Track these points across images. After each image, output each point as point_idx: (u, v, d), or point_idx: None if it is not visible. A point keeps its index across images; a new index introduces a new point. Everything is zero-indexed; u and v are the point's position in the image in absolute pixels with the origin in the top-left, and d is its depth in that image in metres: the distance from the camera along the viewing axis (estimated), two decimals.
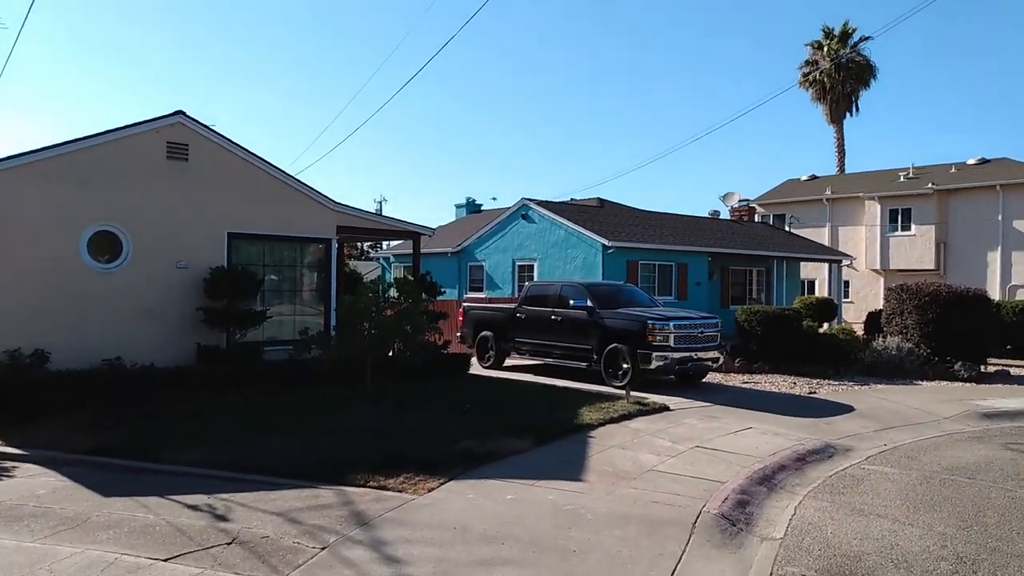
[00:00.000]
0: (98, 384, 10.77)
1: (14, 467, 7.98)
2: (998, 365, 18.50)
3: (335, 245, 14.97)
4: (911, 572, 5.49)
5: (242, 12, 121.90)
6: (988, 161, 33.64)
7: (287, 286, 14.75)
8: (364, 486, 7.07)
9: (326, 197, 14.61)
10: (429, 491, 6.99)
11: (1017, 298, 27.13)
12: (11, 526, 6.10)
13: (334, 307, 13.88)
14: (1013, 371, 17.96)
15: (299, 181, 14.45)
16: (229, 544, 5.63)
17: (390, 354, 11.68)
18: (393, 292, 12.05)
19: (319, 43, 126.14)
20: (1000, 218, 30.74)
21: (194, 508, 6.45)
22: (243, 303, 13.01)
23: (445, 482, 7.26)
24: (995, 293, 28.47)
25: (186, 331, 12.72)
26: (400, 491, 6.95)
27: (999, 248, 30.83)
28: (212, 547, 5.56)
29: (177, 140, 12.78)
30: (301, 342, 11.08)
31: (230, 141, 13.39)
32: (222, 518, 6.21)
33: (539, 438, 9.09)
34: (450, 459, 7.92)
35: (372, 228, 15.94)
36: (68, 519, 6.25)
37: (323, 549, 5.55)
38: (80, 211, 11.81)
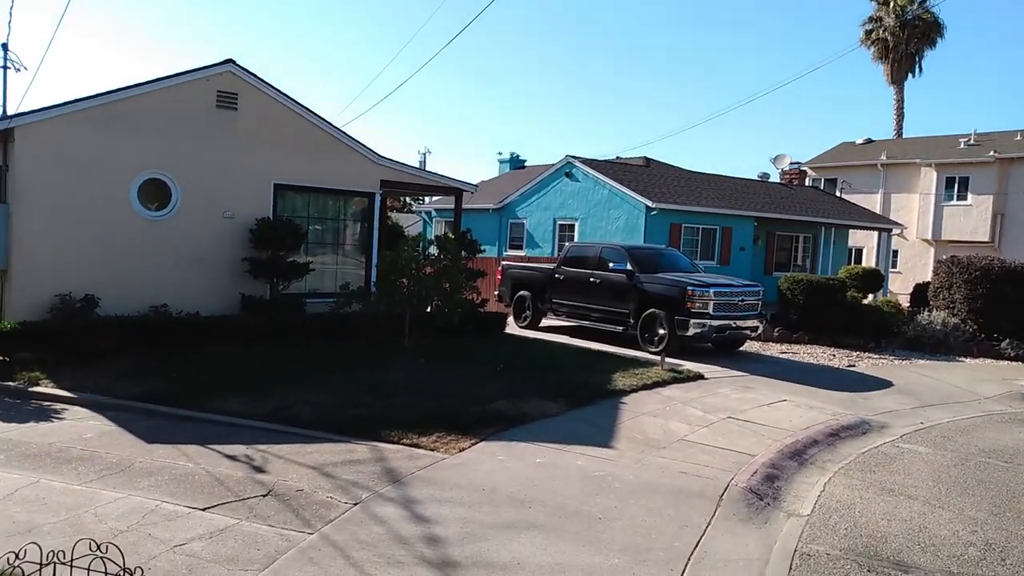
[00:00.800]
0: (145, 330, 11.12)
1: (64, 409, 8.35)
2: None
3: (379, 199, 15.06)
4: (937, 556, 5.47)
5: None
6: None
7: (330, 238, 14.93)
8: (398, 443, 7.25)
9: (371, 151, 14.67)
10: (460, 451, 7.15)
11: None
12: (60, 468, 6.42)
13: (375, 261, 14.04)
14: None
15: (345, 134, 14.51)
16: (265, 496, 5.85)
17: (428, 311, 11.82)
18: (433, 249, 12.14)
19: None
20: None
21: (233, 458, 6.70)
22: (287, 254, 13.24)
23: (476, 443, 7.40)
24: None
25: (231, 281, 13.00)
26: (432, 450, 7.12)
27: None
28: (248, 498, 5.79)
29: (227, 89, 12.89)
30: (342, 296, 11.28)
31: (279, 91, 13.45)
32: (259, 469, 6.45)
33: (571, 402, 9.18)
34: (482, 419, 8.06)
35: (415, 183, 15.98)
36: (113, 464, 6.55)
37: (355, 505, 5.74)
38: (131, 158, 12.04)
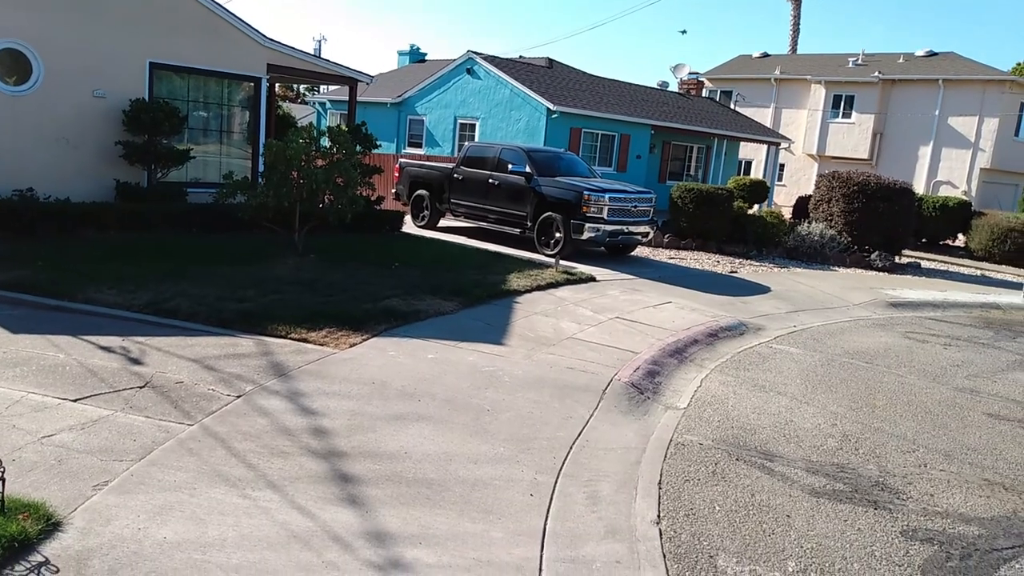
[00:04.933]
0: (8, 215, 10.27)
1: None
2: (912, 257, 19.38)
3: (265, 84, 14.20)
4: (800, 446, 5.91)
5: None
6: (936, 55, 33.70)
7: (214, 125, 14.04)
8: (285, 338, 7.07)
9: (257, 31, 13.68)
10: (351, 346, 7.05)
11: (940, 193, 28.10)
12: None
13: (263, 151, 13.34)
14: (924, 264, 18.88)
15: (228, 11, 13.44)
16: (142, 388, 5.61)
17: (320, 206, 11.41)
18: (326, 141, 11.62)
19: None
20: (937, 113, 31.26)
21: (107, 350, 6.36)
22: (165, 140, 12.39)
23: (368, 338, 7.32)
24: (920, 187, 29.41)
25: (104, 166, 12.09)
26: (322, 344, 6.99)
27: (931, 143, 31.55)
28: (124, 390, 5.53)
29: None
30: (226, 186, 10.70)
31: None
32: (136, 361, 6.16)
33: (466, 301, 9.19)
34: (374, 316, 7.96)
35: (306, 70, 15.09)
36: None
37: (238, 397, 5.59)
38: None
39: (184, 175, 13.08)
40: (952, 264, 19.84)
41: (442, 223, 16.52)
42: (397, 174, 17.22)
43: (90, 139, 11.98)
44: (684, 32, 77.84)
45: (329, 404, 5.63)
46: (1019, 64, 48.98)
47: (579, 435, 5.63)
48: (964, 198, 24.36)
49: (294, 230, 10.75)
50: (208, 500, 4.12)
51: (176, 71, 13.04)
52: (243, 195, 10.71)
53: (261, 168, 12.94)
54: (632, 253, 15.12)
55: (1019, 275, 17.42)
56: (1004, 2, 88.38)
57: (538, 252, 13.63)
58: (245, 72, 13.72)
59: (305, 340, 7.05)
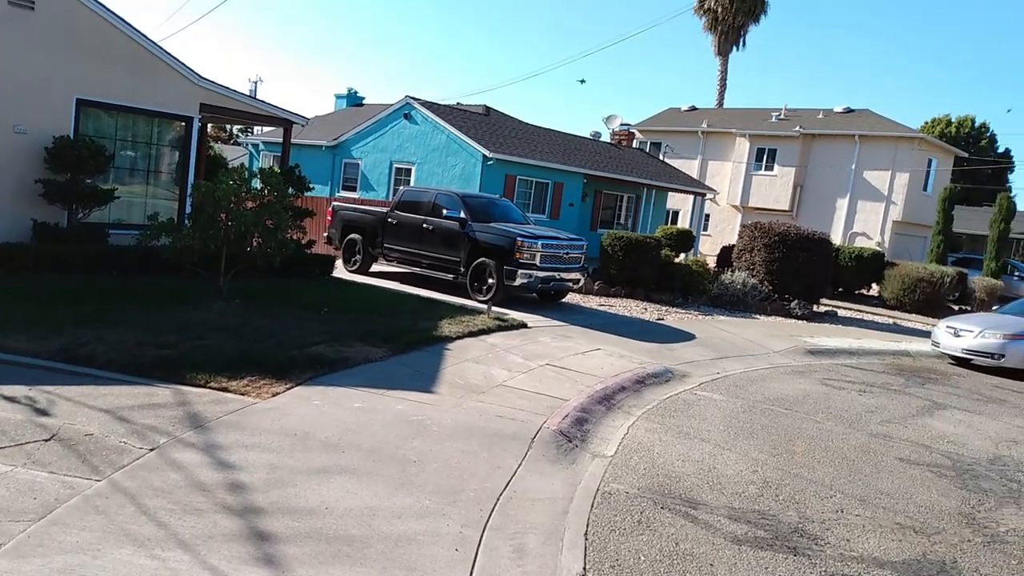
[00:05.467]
0: None
1: None
2: (829, 306, 20.17)
3: (197, 124, 13.99)
4: (723, 493, 6.01)
5: None
6: (852, 111, 35.59)
7: (141, 165, 13.72)
8: (205, 387, 6.85)
9: (191, 70, 13.51)
10: (274, 395, 6.89)
11: (856, 244, 29.44)
12: None
13: (191, 193, 13.09)
14: (841, 312, 19.67)
15: (162, 48, 13.26)
16: (47, 441, 5.33)
17: (248, 249, 11.21)
18: (257, 183, 11.48)
19: None
20: (854, 167, 32.88)
21: (11, 400, 6.04)
22: (89, 179, 12.03)
23: (292, 387, 7.17)
24: (837, 238, 30.75)
25: (22, 205, 11.66)
26: (243, 394, 6.80)
27: (848, 195, 33.11)
28: (27, 443, 5.25)
29: None
30: (151, 227, 10.43)
31: None
32: (43, 412, 5.86)
33: (396, 347, 9.11)
34: (300, 363, 7.81)
35: (241, 110, 14.94)
36: None
37: (151, 450, 5.37)
38: None
39: (107, 216, 12.69)
40: (867, 313, 20.72)
41: (375, 268, 16.41)
42: (329, 217, 17.08)
43: (7, 177, 11.54)
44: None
45: (248, 457, 5.46)
46: (926, 123, 52.15)
47: (507, 485, 5.60)
48: (878, 249, 25.59)
49: (220, 274, 10.52)
50: (113, 562, 3.92)
51: (105, 108, 12.74)
52: (168, 237, 10.45)
53: (189, 210, 12.67)
54: (564, 300, 15.30)
55: (928, 323, 18.29)
56: (914, 63, 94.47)
57: (471, 298, 13.65)
58: (177, 111, 13.50)
59: (226, 389, 6.85)
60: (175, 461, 5.25)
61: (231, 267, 10.57)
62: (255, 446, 5.69)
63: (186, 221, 11.96)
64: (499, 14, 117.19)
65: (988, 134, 53.17)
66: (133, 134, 13.42)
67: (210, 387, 6.85)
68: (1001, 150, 54.13)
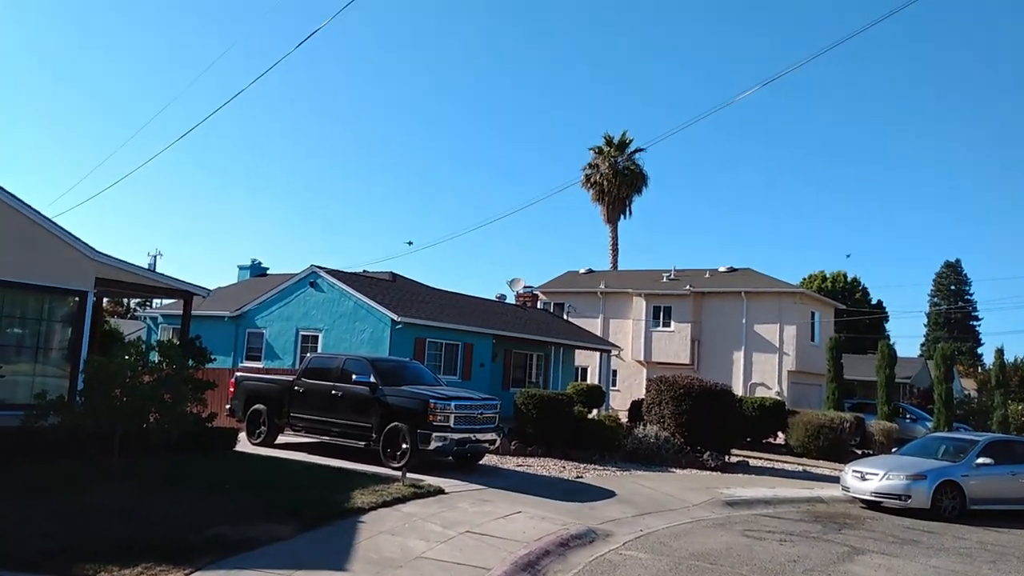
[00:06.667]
0: None
1: None
2: (740, 456, 20.50)
3: (92, 299, 13.51)
4: None
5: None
6: (736, 270, 38.15)
7: (29, 342, 13.02)
8: None
9: (86, 244, 13.21)
10: None
11: (756, 394, 30.51)
12: None
13: (83, 368, 12.43)
14: (752, 461, 19.99)
15: (53, 222, 12.97)
16: None
17: (144, 426, 10.59)
18: (154, 356, 11.04)
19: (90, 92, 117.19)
20: (744, 321, 34.76)
21: None
22: None
23: (191, 573, 6.57)
24: (739, 389, 31.84)
25: None
26: None
27: (743, 348, 34.73)
28: None
29: None
30: (37, 407, 9.75)
31: None
32: None
33: (305, 523, 8.57)
34: (199, 547, 7.20)
35: (139, 284, 14.60)
36: None
37: None
38: None
39: None
40: (776, 461, 21.15)
41: (281, 439, 15.71)
42: (232, 388, 16.45)
43: None
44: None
45: None
46: (805, 278, 56.27)
47: None
48: (778, 398, 26.60)
49: (113, 453, 9.82)
50: None
51: None
52: (57, 416, 9.77)
53: (81, 386, 11.97)
54: (480, 461, 14.94)
55: (835, 468, 18.78)
56: (791, 224, 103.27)
57: (384, 465, 13.15)
58: (72, 286, 13.05)
59: None
60: None
61: (126, 445, 9.91)
62: None
63: (77, 398, 11.27)
64: (416, 185, 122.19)
65: (860, 287, 57.79)
66: (22, 311, 12.82)
67: None
68: (874, 301, 58.76)
